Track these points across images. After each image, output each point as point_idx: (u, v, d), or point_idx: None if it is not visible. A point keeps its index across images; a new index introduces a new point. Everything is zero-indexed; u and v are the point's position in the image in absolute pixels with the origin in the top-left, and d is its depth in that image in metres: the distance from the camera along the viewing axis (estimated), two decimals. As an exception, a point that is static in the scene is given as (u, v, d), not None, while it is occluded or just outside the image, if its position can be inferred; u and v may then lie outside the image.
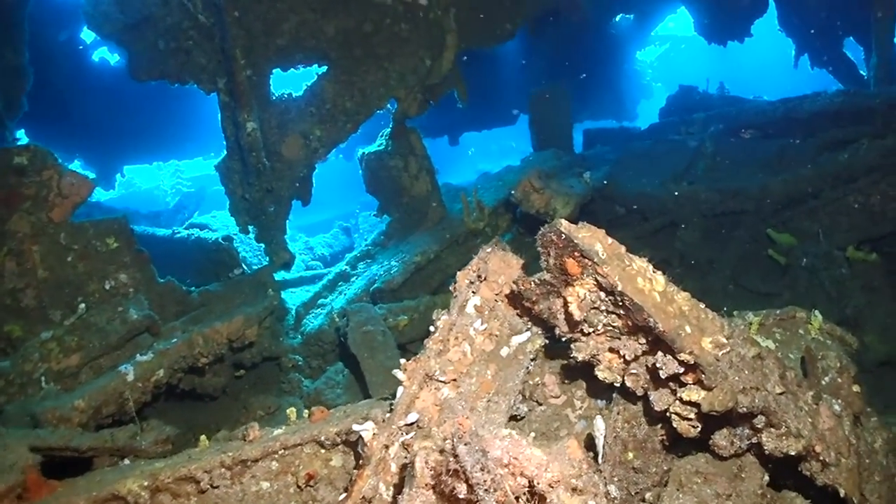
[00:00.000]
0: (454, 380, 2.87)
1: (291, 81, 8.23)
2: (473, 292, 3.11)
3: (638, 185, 7.97)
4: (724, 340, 2.60)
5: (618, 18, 20.32)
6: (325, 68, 7.58)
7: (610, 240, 2.51)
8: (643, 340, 2.63)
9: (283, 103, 7.32)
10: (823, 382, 3.22)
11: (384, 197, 8.28)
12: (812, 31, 14.78)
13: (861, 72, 13.89)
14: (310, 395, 5.56)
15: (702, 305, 2.71)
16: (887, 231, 6.34)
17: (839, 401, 3.18)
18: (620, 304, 2.47)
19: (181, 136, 16.54)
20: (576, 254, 2.45)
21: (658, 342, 2.52)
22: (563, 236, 2.44)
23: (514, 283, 2.87)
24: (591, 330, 2.70)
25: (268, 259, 7.27)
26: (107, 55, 15.25)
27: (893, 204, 6.25)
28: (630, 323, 2.54)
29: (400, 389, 2.74)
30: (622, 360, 2.73)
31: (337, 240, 14.48)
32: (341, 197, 22.19)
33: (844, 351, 3.90)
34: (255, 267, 8.13)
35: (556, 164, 7.26)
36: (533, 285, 2.78)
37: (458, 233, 7.04)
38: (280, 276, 8.00)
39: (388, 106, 7.90)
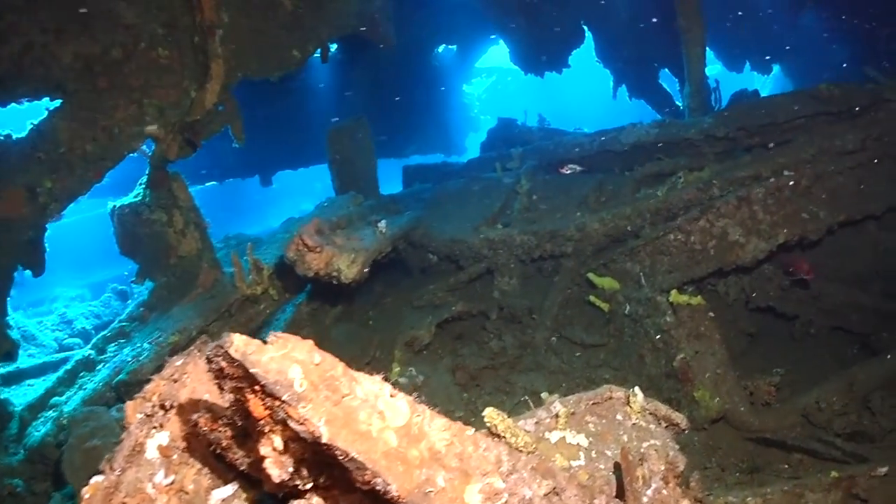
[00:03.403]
0: (109, 578, 1.95)
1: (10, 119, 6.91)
2: (156, 428, 2.22)
3: (450, 230, 7.40)
4: (500, 485, 1.90)
5: (441, 49, 20.34)
6: (58, 103, 6.39)
7: (318, 357, 1.71)
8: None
9: (0, 147, 6.05)
10: (644, 500, 2.60)
11: (144, 258, 7.11)
12: (627, 63, 15.36)
13: (677, 102, 14.54)
14: (18, 540, 4.33)
15: (470, 431, 2.00)
16: (710, 271, 6.13)
17: (666, 524, 2.58)
18: (334, 457, 1.68)
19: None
20: (257, 389, 1.64)
21: (401, 505, 1.76)
22: (237, 364, 1.62)
23: (192, 423, 2.01)
24: (309, 485, 1.89)
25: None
26: None
27: (713, 241, 6.05)
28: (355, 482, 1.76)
29: None
30: (362, 521, 1.93)
31: (108, 307, 12.58)
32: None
33: (672, 436, 3.39)
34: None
35: (352, 211, 6.51)
36: (220, 426, 1.94)
37: (230, 301, 6.06)
38: (12, 365, 6.58)
39: (144, 148, 6.81)
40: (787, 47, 15.90)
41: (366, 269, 5.14)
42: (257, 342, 1.66)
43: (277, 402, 1.62)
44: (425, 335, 6.34)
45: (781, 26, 15.46)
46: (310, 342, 1.74)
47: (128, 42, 6.67)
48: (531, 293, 7.20)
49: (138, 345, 6.04)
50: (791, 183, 5.85)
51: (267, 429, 1.73)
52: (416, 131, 20.13)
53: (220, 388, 1.75)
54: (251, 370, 1.59)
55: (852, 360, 6.77)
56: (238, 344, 1.61)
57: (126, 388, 5.47)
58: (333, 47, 16.95)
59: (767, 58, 17.06)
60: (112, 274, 18.95)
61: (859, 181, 6.14)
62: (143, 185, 7.10)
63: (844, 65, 14.29)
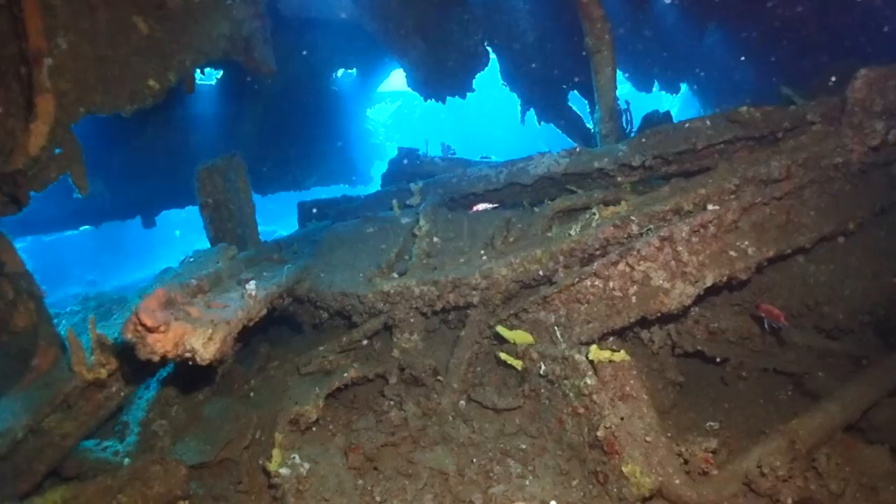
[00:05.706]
0: None
1: None
2: None
3: (339, 282, 6.65)
4: None
5: (339, 74, 19.71)
6: None
7: None
8: None
9: None
10: None
11: (-34, 336, 6.09)
12: (533, 85, 15.05)
13: (588, 125, 14.27)
14: None
15: None
16: (632, 320, 5.58)
17: None
18: None
19: None
20: None
21: None
22: None
23: None
24: None
25: None
26: None
27: (635, 287, 5.52)
28: None
29: None
30: None
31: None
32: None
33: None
34: None
35: (221, 267, 5.68)
36: None
37: (69, 388, 5.10)
38: None
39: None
40: (696, 68, 16.01)
41: (229, 345, 4.33)
42: None
43: None
44: (312, 411, 5.54)
45: (687, 46, 15.52)
46: None
47: (-63, 75, 5.71)
48: (436, 349, 6.53)
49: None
50: (716, 218, 5.39)
51: None
52: (315, 161, 19.37)
53: None
54: None
55: (787, 403, 6.41)
56: None
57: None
58: (218, 74, 16.07)
59: (675, 77, 17.15)
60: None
61: (787, 212, 5.76)
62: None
63: (749, 84, 14.43)
